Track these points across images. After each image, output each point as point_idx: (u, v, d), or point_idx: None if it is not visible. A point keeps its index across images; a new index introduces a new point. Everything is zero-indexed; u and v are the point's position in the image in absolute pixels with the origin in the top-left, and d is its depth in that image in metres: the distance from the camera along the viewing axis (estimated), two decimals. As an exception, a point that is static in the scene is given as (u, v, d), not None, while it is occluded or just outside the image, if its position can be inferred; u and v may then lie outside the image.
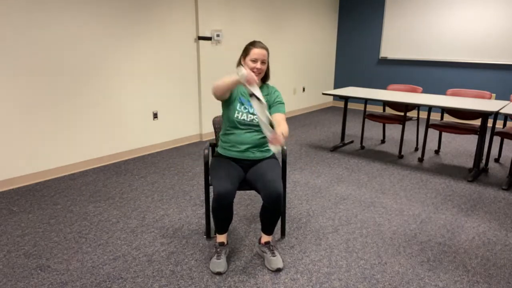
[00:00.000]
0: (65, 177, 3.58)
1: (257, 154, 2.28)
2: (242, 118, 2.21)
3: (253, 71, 2.17)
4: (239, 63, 2.30)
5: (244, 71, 1.95)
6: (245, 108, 2.23)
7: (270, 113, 2.26)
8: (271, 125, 2.09)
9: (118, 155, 4.09)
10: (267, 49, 2.23)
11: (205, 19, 4.64)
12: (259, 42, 2.23)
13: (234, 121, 2.23)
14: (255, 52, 2.18)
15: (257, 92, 1.96)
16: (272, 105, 2.28)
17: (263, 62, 2.20)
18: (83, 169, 3.80)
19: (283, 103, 2.29)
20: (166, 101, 4.48)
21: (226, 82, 2.05)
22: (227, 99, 2.27)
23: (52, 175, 3.58)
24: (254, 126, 2.24)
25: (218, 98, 2.17)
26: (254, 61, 2.18)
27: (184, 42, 4.52)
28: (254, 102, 1.98)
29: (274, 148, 1.93)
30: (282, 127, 2.07)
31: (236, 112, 2.22)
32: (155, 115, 4.39)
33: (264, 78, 2.34)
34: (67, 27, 3.45)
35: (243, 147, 2.24)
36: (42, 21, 3.27)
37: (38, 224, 2.68)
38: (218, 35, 4.77)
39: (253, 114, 2.23)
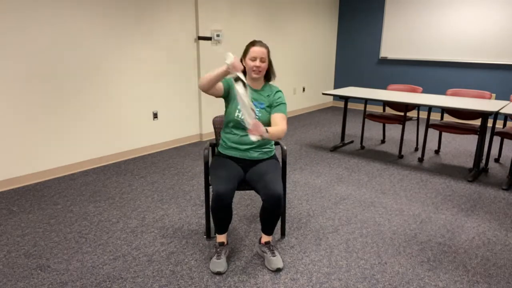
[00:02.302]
0: (65, 177, 3.58)
1: (258, 155, 2.28)
2: (242, 117, 2.19)
3: (253, 70, 2.18)
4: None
5: (232, 55, 1.94)
6: None
7: (271, 113, 2.26)
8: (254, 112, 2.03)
9: (118, 155, 4.09)
10: (267, 47, 2.22)
11: (205, 19, 4.64)
12: (259, 41, 2.23)
13: (235, 121, 2.23)
14: (254, 50, 2.18)
15: (242, 76, 1.96)
16: (273, 105, 2.27)
17: (262, 60, 2.19)
18: (83, 169, 3.80)
19: (284, 103, 2.28)
20: (166, 101, 4.48)
21: (215, 73, 2.03)
22: (228, 97, 2.27)
23: (52, 175, 3.58)
24: None
25: (206, 91, 2.12)
26: (253, 59, 2.18)
27: (184, 42, 4.52)
28: (238, 87, 1.93)
29: (253, 137, 1.86)
30: (279, 127, 2.11)
31: (237, 111, 2.22)
32: (155, 115, 4.39)
33: (267, 77, 2.33)
34: (67, 27, 3.45)
35: (243, 147, 2.24)
36: (41, 21, 3.27)
37: (38, 224, 2.68)
38: (218, 35, 4.77)
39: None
